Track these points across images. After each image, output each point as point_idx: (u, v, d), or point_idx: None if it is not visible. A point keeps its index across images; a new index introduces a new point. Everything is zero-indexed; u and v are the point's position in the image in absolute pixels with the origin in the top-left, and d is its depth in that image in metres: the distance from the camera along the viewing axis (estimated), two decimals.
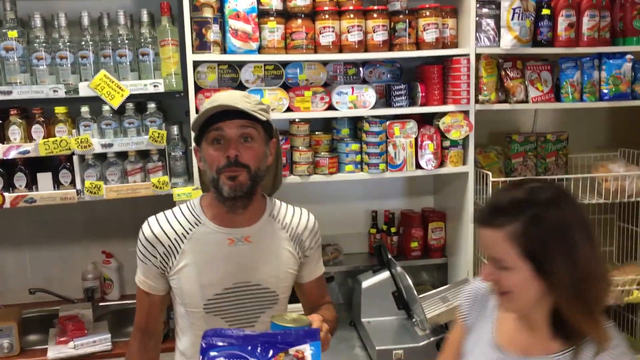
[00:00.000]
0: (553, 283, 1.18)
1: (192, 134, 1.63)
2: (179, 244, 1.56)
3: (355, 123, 2.43)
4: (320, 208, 2.72)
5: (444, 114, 2.37)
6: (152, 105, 2.21)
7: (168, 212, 1.62)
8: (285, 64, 2.29)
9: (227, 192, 1.50)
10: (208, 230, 1.57)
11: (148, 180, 2.22)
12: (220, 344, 1.02)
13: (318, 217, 2.66)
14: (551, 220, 1.18)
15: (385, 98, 2.43)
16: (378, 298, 2.39)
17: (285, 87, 2.31)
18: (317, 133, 2.41)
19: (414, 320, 2.32)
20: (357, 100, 2.30)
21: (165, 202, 2.29)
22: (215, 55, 2.18)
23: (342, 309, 2.72)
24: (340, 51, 2.27)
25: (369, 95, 2.31)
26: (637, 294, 2.47)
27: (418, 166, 2.38)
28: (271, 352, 1.02)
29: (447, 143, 2.39)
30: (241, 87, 2.26)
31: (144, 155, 2.26)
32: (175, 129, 2.27)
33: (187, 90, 2.18)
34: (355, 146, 2.34)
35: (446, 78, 2.37)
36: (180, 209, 1.62)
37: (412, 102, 2.38)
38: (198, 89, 2.22)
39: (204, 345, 1.01)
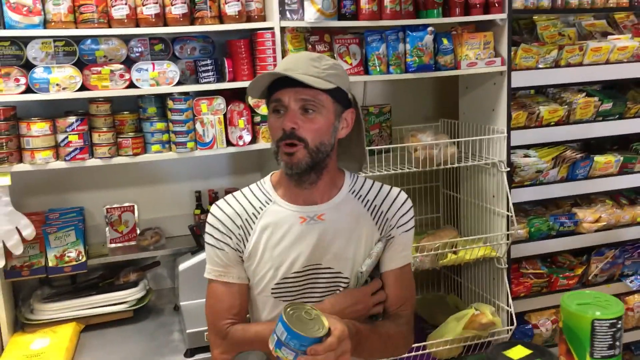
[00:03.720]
0: None
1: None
2: (250, 224, 1.46)
3: (163, 101, 2.34)
4: (142, 190, 2.64)
5: None
6: None
7: (237, 193, 1.52)
8: (78, 40, 2.15)
9: (284, 167, 1.40)
10: (279, 208, 1.46)
11: None
12: None
13: (140, 200, 2.62)
14: None
15: (195, 74, 2.35)
16: (196, 280, 2.33)
17: (83, 64, 2.16)
18: (124, 113, 2.30)
19: None
20: (159, 77, 2.20)
21: None
22: None
23: (170, 293, 2.65)
24: (137, 25, 2.16)
25: (172, 71, 2.22)
26: (451, 256, 2.59)
27: (229, 143, 2.33)
28: None
29: (257, 118, 2.35)
30: (28, 65, 2.09)
31: None
32: None
33: None
34: (160, 125, 2.25)
35: (254, 52, 2.33)
36: (250, 189, 1.52)
37: (221, 78, 2.32)
38: None
39: None
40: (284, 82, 1.36)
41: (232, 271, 1.48)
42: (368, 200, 1.50)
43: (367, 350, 1.42)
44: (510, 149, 2.58)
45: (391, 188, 1.54)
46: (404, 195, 1.54)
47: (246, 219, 1.47)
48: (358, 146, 1.56)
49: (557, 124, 2.70)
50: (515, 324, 2.59)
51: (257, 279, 1.48)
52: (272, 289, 1.47)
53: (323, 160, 1.43)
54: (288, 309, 1.23)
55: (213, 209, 1.50)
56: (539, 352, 0.85)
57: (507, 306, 2.63)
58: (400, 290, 1.53)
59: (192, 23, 2.22)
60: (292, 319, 1.21)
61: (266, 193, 1.50)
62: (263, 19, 2.33)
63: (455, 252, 2.61)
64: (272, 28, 2.26)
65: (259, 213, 1.47)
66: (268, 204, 1.48)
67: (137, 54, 2.27)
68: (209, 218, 1.50)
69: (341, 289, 1.48)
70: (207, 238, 1.50)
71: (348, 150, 1.55)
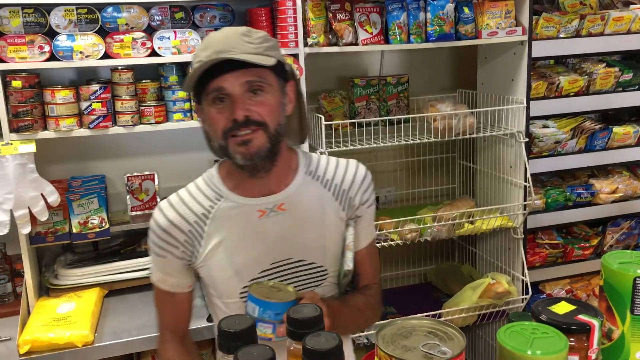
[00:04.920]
0: None
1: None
2: (201, 227, 1.30)
3: (184, 70, 2.34)
4: (161, 159, 2.66)
5: None
6: None
7: (182, 191, 1.35)
8: (100, 8, 2.15)
9: (242, 160, 1.24)
10: (232, 204, 1.31)
11: None
12: None
13: (160, 169, 2.64)
14: None
15: None
16: None
17: (105, 32, 2.17)
18: (144, 81, 2.30)
19: None
20: (181, 45, 2.21)
21: None
22: None
23: None
24: None
25: (193, 39, 2.22)
26: (468, 226, 2.61)
27: None
28: None
29: None
30: (51, 32, 2.10)
31: None
32: None
33: None
34: (182, 94, 2.25)
35: (275, 21, 2.32)
36: (196, 185, 1.36)
37: None
38: (0, 35, 2.04)
39: None
40: (220, 67, 1.19)
41: (171, 281, 1.36)
42: (327, 180, 1.38)
43: (341, 326, 1.27)
44: (529, 119, 2.58)
45: (348, 162, 1.42)
46: (362, 168, 1.41)
47: (195, 222, 1.31)
48: (298, 119, 1.42)
49: (576, 94, 2.69)
50: (530, 293, 2.63)
51: (221, 285, 1.35)
52: (240, 293, 1.33)
53: (279, 144, 1.29)
54: (253, 286, 1.20)
55: (155, 212, 1.34)
56: (583, 307, 0.87)
57: (523, 276, 2.65)
58: (371, 265, 1.47)
59: None
60: (261, 293, 1.17)
61: (215, 189, 1.34)
62: None
63: (472, 222, 2.63)
64: None
65: (209, 213, 1.31)
66: (219, 200, 1.32)
67: (158, 22, 2.27)
68: (151, 222, 1.35)
69: (318, 280, 1.37)
70: (149, 244, 1.36)
71: (289, 123, 1.39)
